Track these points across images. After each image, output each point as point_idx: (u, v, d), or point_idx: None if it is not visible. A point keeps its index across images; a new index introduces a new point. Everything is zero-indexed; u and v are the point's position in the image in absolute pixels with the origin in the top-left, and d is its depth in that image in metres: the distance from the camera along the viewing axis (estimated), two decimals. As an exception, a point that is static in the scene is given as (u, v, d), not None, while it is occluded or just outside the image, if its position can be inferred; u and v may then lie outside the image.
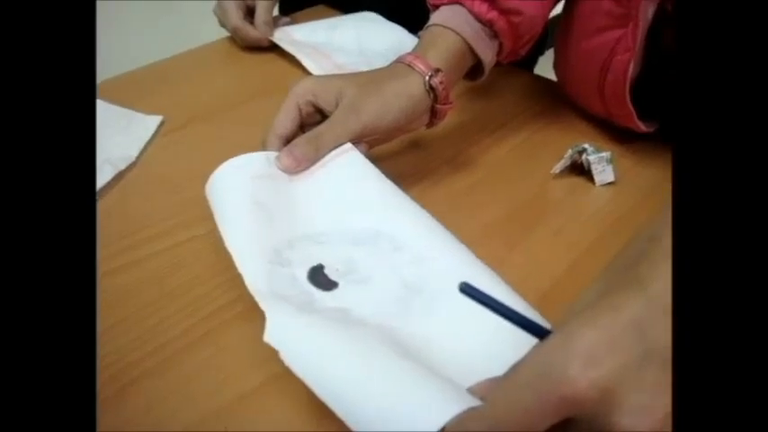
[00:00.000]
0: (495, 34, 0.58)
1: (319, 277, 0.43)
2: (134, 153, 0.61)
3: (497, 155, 0.64)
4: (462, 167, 0.61)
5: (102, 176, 0.57)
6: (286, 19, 0.87)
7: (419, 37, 0.58)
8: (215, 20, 0.82)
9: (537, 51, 0.96)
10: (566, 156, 0.59)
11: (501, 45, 0.59)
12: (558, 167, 0.60)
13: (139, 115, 0.66)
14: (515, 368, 0.31)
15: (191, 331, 0.44)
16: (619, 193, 0.59)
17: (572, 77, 0.69)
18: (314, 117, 0.53)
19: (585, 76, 0.64)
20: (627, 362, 0.28)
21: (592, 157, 0.59)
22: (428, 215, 0.48)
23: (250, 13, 0.80)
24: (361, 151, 0.52)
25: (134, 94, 0.70)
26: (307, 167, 0.50)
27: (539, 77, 0.80)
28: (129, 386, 0.40)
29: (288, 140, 0.51)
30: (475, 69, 0.60)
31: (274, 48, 0.80)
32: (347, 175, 0.50)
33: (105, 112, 0.65)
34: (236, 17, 0.79)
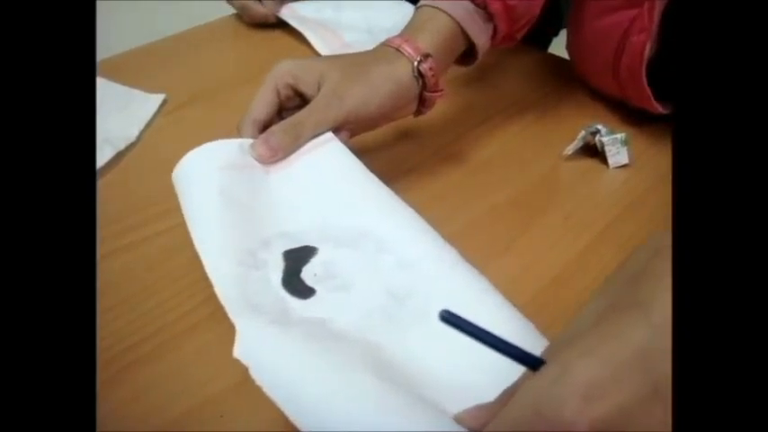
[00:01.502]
0: (489, 17, 0.54)
1: (295, 283, 0.40)
2: (135, 133, 0.59)
3: (506, 136, 0.62)
4: (468, 148, 0.60)
5: (102, 156, 0.56)
6: (293, -5, 0.85)
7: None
8: (221, -4, 0.80)
9: (551, 32, 0.94)
10: (578, 137, 0.58)
11: (495, 28, 0.55)
12: (569, 149, 0.58)
13: (141, 94, 0.65)
14: (504, 400, 0.28)
15: (188, 316, 0.43)
16: (633, 175, 0.57)
17: (585, 57, 0.67)
18: (293, 101, 0.50)
19: (599, 57, 0.62)
20: (633, 397, 0.25)
21: (605, 139, 0.57)
22: (415, 214, 0.44)
23: (257, -9, 0.79)
24: (342, 140, 0.48)
25: (136, 72, 0.69)
26: (283, 158, 0.47)
27: (549, 55, 0.78)
28: (125, 370, 0.40)
29: (264, 127, 0.48)
30: (467, 54, 0.56)
31: (281, 26, 0.78)
32: (328, 168, 0.47)
33: (106, 91, 0.64)
34: (243, -7, 0.77)
